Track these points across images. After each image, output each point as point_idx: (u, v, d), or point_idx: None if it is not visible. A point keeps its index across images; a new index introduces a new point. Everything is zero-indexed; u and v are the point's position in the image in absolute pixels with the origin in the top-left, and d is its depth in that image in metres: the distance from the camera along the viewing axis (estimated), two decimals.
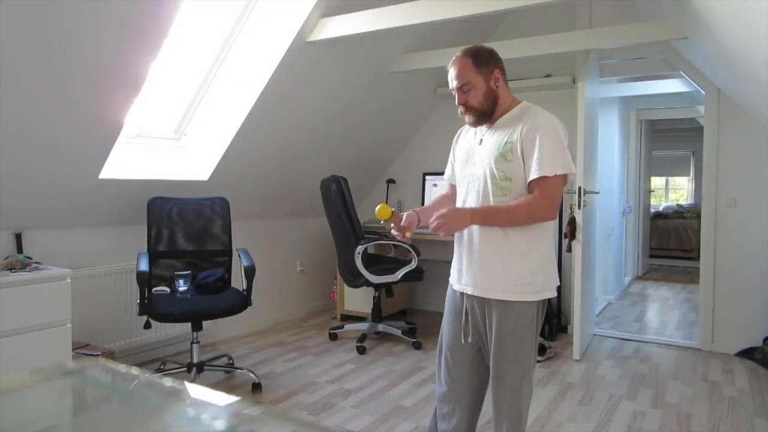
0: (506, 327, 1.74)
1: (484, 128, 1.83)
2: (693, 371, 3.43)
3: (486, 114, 1.77)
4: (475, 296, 1.80)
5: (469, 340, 1.84)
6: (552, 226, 1.81)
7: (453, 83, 1.78)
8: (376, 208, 1.79)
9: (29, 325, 2.40)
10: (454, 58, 1.78)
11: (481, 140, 1.82)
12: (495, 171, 1.73)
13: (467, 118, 1.80)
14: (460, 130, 1.99)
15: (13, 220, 2.80)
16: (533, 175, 1.68)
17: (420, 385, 3.13)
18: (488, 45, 1.84)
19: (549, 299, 1.81)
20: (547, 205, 1.69)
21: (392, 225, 1.82)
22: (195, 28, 3.15)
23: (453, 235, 1.88)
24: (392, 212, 1.80)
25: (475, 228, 1.78)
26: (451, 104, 4.49)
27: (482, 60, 1.75)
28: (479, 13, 2.88)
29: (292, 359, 3.59)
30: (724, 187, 3.79)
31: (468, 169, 1.84)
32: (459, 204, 1.87)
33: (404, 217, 1.83)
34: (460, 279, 1.85)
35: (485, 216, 1.72)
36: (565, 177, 1.71)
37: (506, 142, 1.73)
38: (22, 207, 2.76)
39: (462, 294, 1.85)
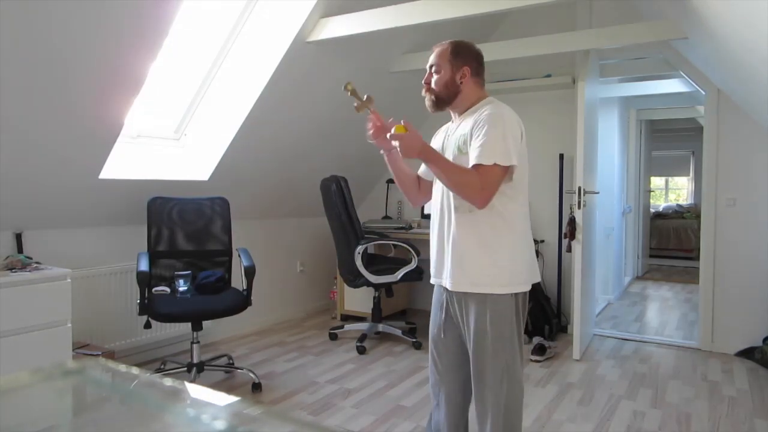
0: (482, 322, 1.73)
1: (452, 124, 1.87)
2: (693, 371, 3.43)
3: (442, 101, 1.81)
4: (453, 291, 1.80)
5: (448, 334, 1.85)
6: (522, 217, 1.78)
7: (428, 62, 1.84)
8: (394, 127, 1.74)
9: (29, 325, 2.40)
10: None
11: (448, 136, 1.87)
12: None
13: (426, 100, 1.84)
14: (440, 129, 1.99)
15: (13, 220, 2.80)
16: (471, 161, 1.68)
17: (420, 385, 3.13)
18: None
19: (528, 295, 1.81)
20: (481, 187, 1.65)
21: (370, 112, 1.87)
22: (195, 28, 3.15)
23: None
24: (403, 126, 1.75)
25: (449, 222, 1.79)
26: None
27: (458, 52, 1.80)
28: (479, 13, 2.88)
29: (292, 359, 3.60)
30: (724, 187, 3.78)
31: None
32: (434, 198, 1.90)
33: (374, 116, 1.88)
34: (438, 274, 1.87)
35: (430, 155, 1.70)
36: (504, 169, 1.67)
37: (461, 135, 1.76)
38: (22, 207, 2.76)
39: (443, 288, 1.86)
